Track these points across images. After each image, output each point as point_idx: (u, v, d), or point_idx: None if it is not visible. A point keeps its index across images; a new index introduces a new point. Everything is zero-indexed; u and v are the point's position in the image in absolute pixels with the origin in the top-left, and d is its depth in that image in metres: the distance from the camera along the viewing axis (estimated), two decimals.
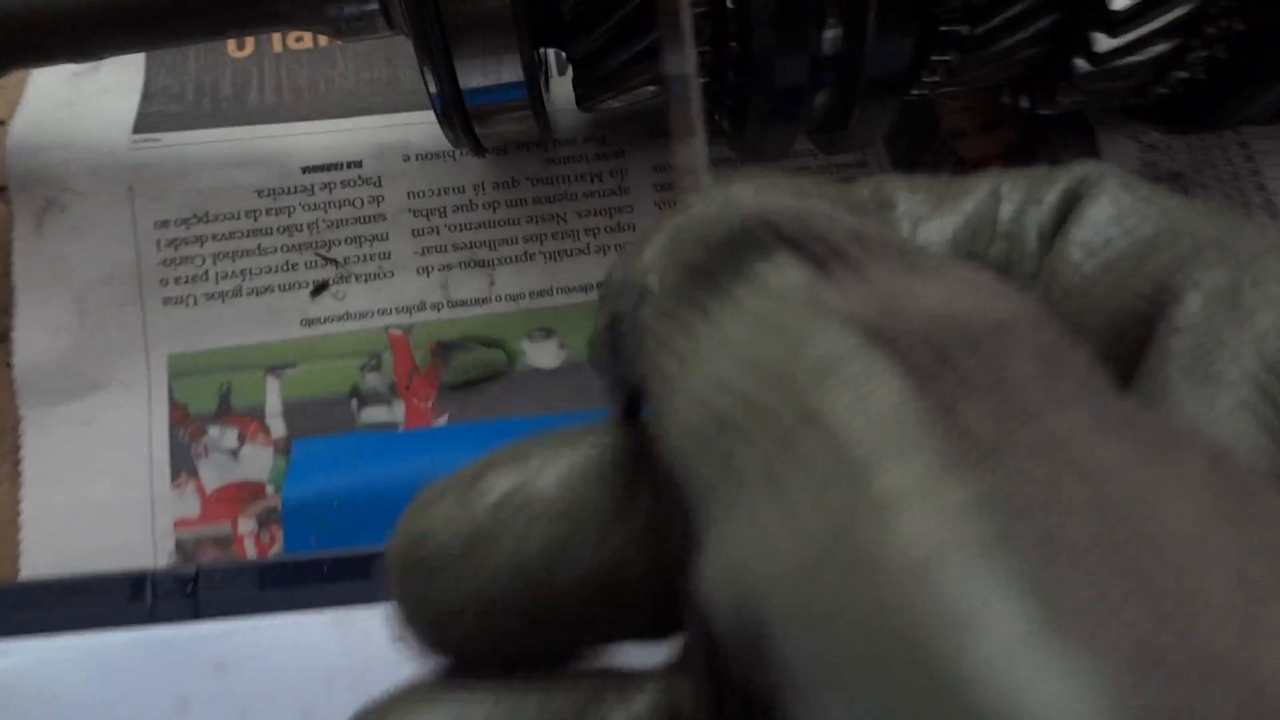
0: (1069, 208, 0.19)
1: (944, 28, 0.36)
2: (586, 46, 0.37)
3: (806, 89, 0.37)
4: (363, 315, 0.45)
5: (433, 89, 0.37)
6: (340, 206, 0.45)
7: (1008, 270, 0.18)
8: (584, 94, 0.38)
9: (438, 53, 0.37)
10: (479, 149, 0.40)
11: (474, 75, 0.38)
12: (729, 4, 0.36)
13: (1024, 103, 0.43)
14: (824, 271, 0.14)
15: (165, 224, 0.45)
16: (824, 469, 0.11)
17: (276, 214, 0.45)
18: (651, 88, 0.39)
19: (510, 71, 0.38)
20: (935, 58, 0.38)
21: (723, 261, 0.15)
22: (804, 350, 0.12)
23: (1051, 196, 0.19)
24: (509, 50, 0.37)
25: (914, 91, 0.39)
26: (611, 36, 0.37)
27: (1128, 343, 0.17)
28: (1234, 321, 0.15)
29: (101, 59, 0.40)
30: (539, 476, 0.17)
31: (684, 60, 0.26)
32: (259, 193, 0.45)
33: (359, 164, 0.46)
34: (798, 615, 0.11)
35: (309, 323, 0.45)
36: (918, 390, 0.11)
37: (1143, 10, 0.36)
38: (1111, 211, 0.18)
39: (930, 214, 0.19)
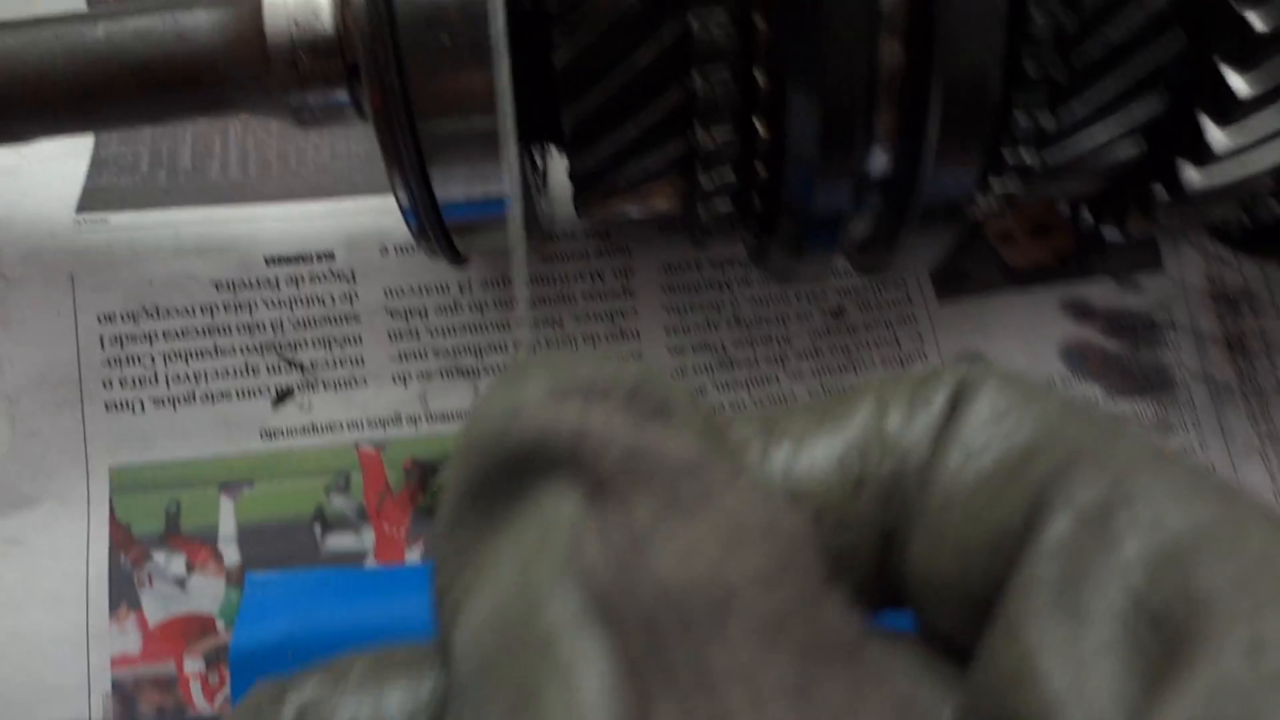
0: (953, 410, 0.19)
1: (1008, 149, 0.32)
2: (589, 158, 0.33)
3: (848, 214, 0.33)
4: (330, 428, 0.40)
5: (404, 203, 0.32)
6: (308, 304, 0.41)
7: (897, 487, 0.19)
8: (584, 204, 0.36)
9: (409, 162, 0.32)
10: (458, 259, 0.34)
11: (452, 187, 0.33)
12: (758, 125, 0.32)
13: (1087, 220, 0.37)
14: (595, 498, 0.15)
15: (110, 318, 0.40)
16: None
17: (236, 310, 0.40)
18: (665, 203, 0.34)
19: (495, 181, 0.32)
20: (996, 178, 0.33)
21: (501, 477, 0.16)
22: (538, 618, 0.13)
23: (938, 400, 0.19)
24: (494, 155, 0.34)
25: (975, 209, 0.33)
26: (620, 148, 0.33)
27: (1003, 558, 0.17)
28: (1102, 548, 0.16)
29: (25, 143, 0.34)
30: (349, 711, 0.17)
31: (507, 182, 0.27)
32: (217, 285, 0.40)
33: (330, 255, 0.41)
34: None
35: (269, 435, 0.40)
36: (620, 686, 0.12)
37: (1244, 145, 0.30)
38: (988, 413, 0.18)
39: (813, 433, 0.19)
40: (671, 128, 0.33)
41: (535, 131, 0.36)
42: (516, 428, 0.16)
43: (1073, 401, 0.19)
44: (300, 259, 0.43)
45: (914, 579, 0.18)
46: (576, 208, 0.36)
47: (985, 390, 0.19)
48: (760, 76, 0.31)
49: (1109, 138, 0.34)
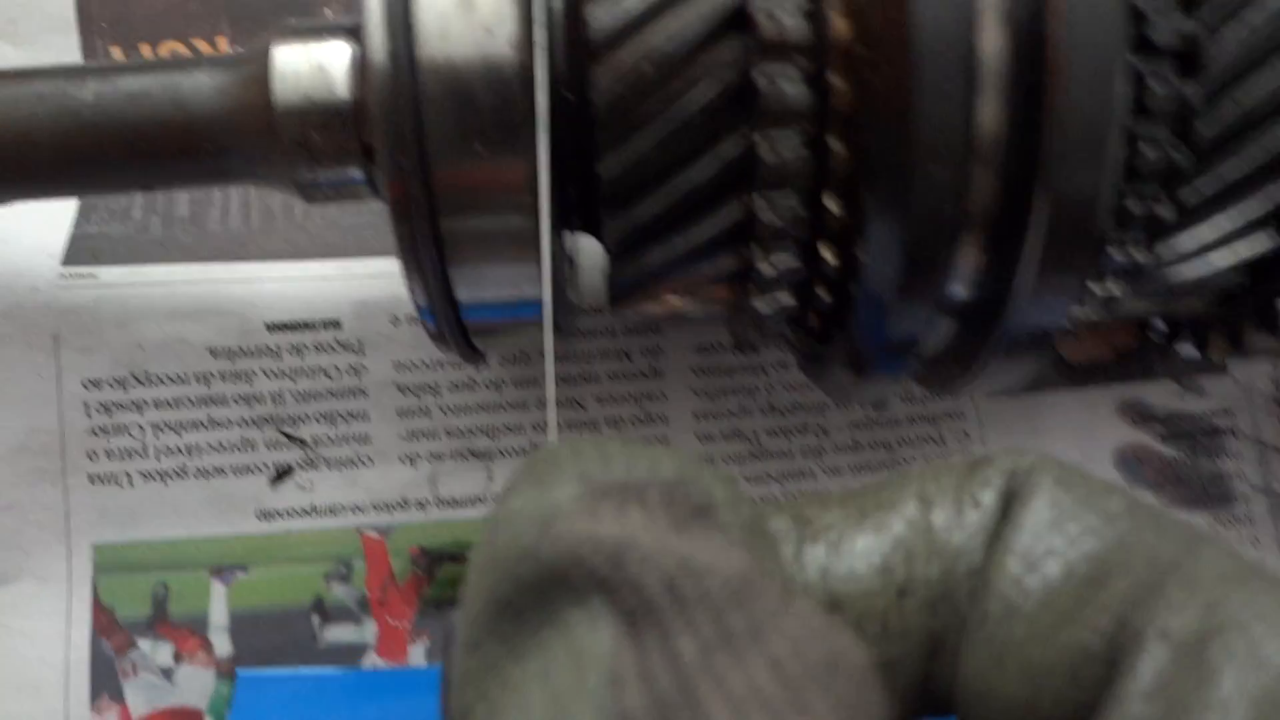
0: (1006, 509, 0.18)
1: (1113, 249, 0.30)
2: (631, 268, 0.31)
3: (921, 338, 0.31)
4: (332, 510, 0.38)
5: (420, 303, 0.29)
6: (311, 375, 0.38)
7: (945, 593, 0.18)
8: (619, 296, 0.33)
9: (428, 260, 0.31)
10: (476, 358, 0.31)
11: (476, 288, 0.30)
12: (826, 252, 0.30)
13: (1159, 333, 0.34)
14: (632, 629, 0.14)
15: (96, 384, 0.38)
16: None
17: (234, 379, 0.38)
18: (710, 309, 0.34)
19: (525, 282, 0.29)
20: (1093, 285, 0.31)
21: (532, 599, 0.15)
22: None
23: (989, 497, 0.18)
24: (524, 255, 0.31)
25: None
26: (667, 260, 0.31)
27: (1082, 686, 0.16)
28: (1199, 685, 0.15)
29: (3, 205, 0.31)
30: None
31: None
32: (213, 352, 0.38)
33: (336, 324, 0.38)
34: None
35: (266, 516, 0.38)
36: None
37: None
38: (1048, 516, 0.18)
39: (852, 531, 0.18)
40: (725, 244, 0.30)
41: (567, 218, 0.33)
42: (548, 542, 0.15)
43: (1139, 504, 0.18)
44: (304, 326, 0.40)
45: (968, 693, 0.17)
46: (611, 306, 0.33)
47: (1042, 488, 0.18)
48: (832, 203, 0.28)
49: (1209, 273, 0.30)
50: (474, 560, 0.16)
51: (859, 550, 0.18)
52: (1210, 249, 0.31)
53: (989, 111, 0.28)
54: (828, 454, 0.43)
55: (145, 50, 0.44)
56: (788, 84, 0.28)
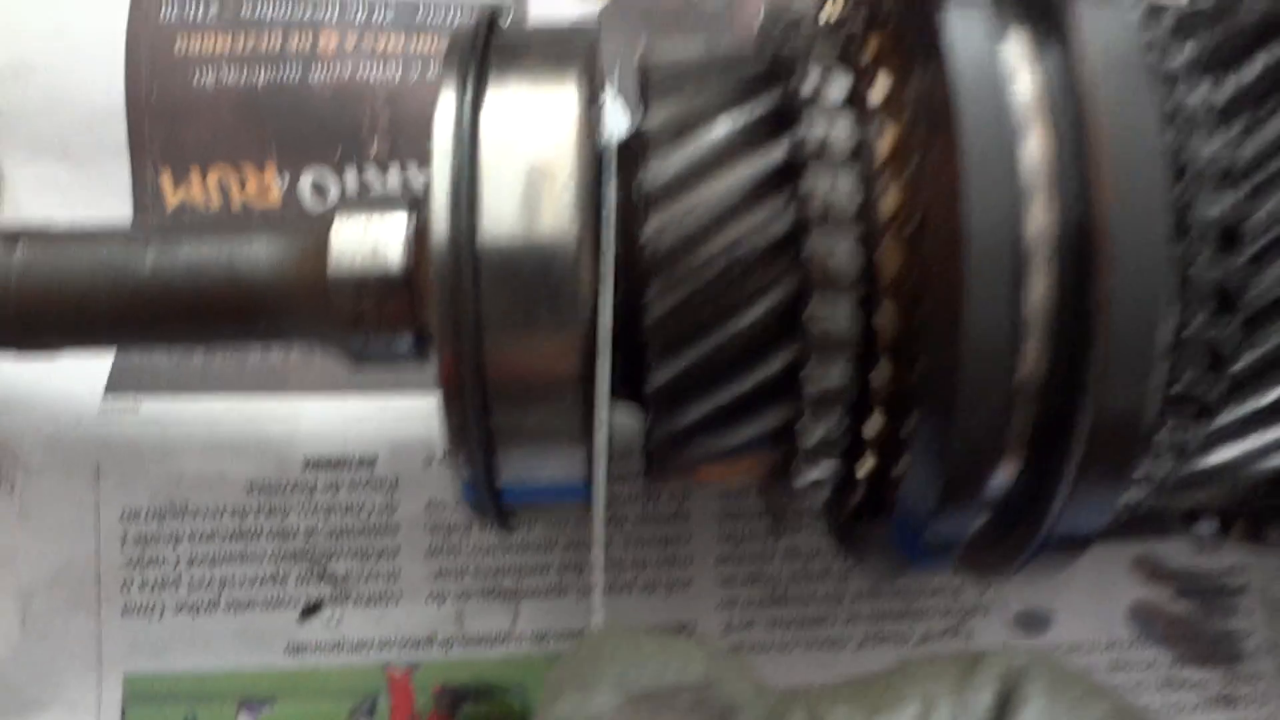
0: (1003, 709, 0.19)
1: (1163, 435, 0.31)
2: (671, 424, 0.32)
3: (959, 539, 0.32)
4: (360, 646, 0.39)
5: (464, 479, 0.33)
6: (345, 512, 0.39)
7: None
8: (657, 475, 0.35)
9: (476, 444, 0.31)
10: (511, 528, 0.32)
11: (521, 472, 0.30)
12: (868, 454, 0.31)
13: (1205, 531, 0.34)
14: None
15: (135, 515, 0.39)
16: None
17: (269, 514, 0.39)
18: (747, 480, 0.34)
19: (570, 466, 0.30)
20: (1140, 474, 0.32)
21: None
22: None
23: (983, 703, 0.20)
24: (572, 442, 0.32)
25: None
26: (712, 420, 0.32)
27: None
28: None
29: (57, 355, 0.31)
30: None
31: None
32: (250, 486, 0.39)
33: (372, 461, 0.39)
34: None
35: (295, 650, 0.38)
36: None
37: None
38: None
39: None
40: (768, 403, 0.30)
41: (615, 391, 0.33)
42: None
43: (1124, 708, 0.20)
44: (340, 464, 0.41)
45: None
46: (646, 475, 0.34)
47: (1034, 695, 0.19)
48: (876, 418, 0.28)
49: (1259, 449, 0.31)
50: None
51: None
52: (1256, 427, 0.31)
53: (1033, 349, 0.29)
54: (846, 601, 0.44)
55: (195, 174, 0.45)
56: (836, 251, 0.29)
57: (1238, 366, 0.29)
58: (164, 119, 0.45)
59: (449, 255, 0.30)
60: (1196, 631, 0.45)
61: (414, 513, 0.43)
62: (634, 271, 0.31)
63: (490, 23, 0.34)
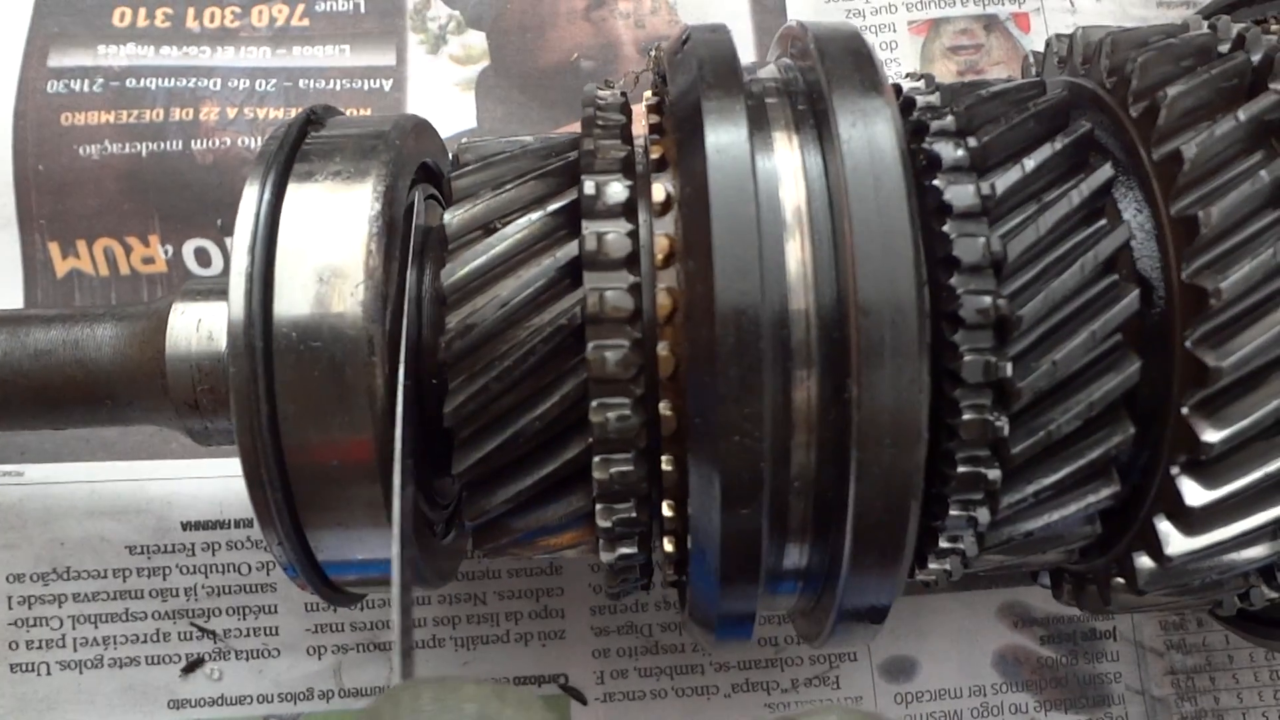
0: None
1: (955, 511, 0.32)
2: (488, 512, 0.33)
3: (762, 607, 0.33)
4: (240, 700, 0.40)
5: (279, 557, 0.34)
6: (224, 571, 0.40)
7: None
8: (488, 552, 0.35)
9: (283, 525, 0.32)
10: (348, 602, 0.33)
11: (332, 547, 0.34)
12: (669, 540, 0.32)
13: (1066, 598, 0.35)
14: None
15: (20, 578, 0.41)
16: None
17: (150, 575, 0.41)
18: (573, 550, 0.35)
19: (379, 541, 0.30)
20: (947, 546, 0.33)
21: None
22: None
23: None
24: (378, 519, 0.32)
25: (919, 578, 0.35)
26: (520, 503, 0.33)
27: None
28: None
29: None
30: None
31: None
32: (131, 549, 0.40)
33: (249, 523, 0.41)
34: None
35: (177, 705, 0.41)
36: None
37: (1235, 504, 0.31)
38: None
39: None
40: (569, 487, 0.32)
41: (433, 468, 0.34)
42: None
43: None
44: (218, 525, 0.43)
45: None
46: (476, 549, 0.35)
47: None
48: (665, 460, 0.29)
49: (1052, 524, 0.32)
50: None
51: None
52: (1047, 503, 0.32)
53: (801, 445, 0.30)
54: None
55: (82, 245, 0.46)
56: (613, 351, 0.30)
57: (1016, 451, 0.30)
58: (51, 191, 0.47)
59: (243, 347, 0.31)
60: (1063, 676, 0.46)
61: None
62: (435, 359, 0.32)
63: (305, 122, 0.35)
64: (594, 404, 0.30)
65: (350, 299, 0.30)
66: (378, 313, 0.31)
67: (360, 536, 0.33)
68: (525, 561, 0.45)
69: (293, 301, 0.30)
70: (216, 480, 0.44)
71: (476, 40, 0.50)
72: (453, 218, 0.32)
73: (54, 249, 0.47)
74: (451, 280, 0.31)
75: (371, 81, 0.50)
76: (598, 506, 0.32)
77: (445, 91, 0.49)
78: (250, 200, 0.31)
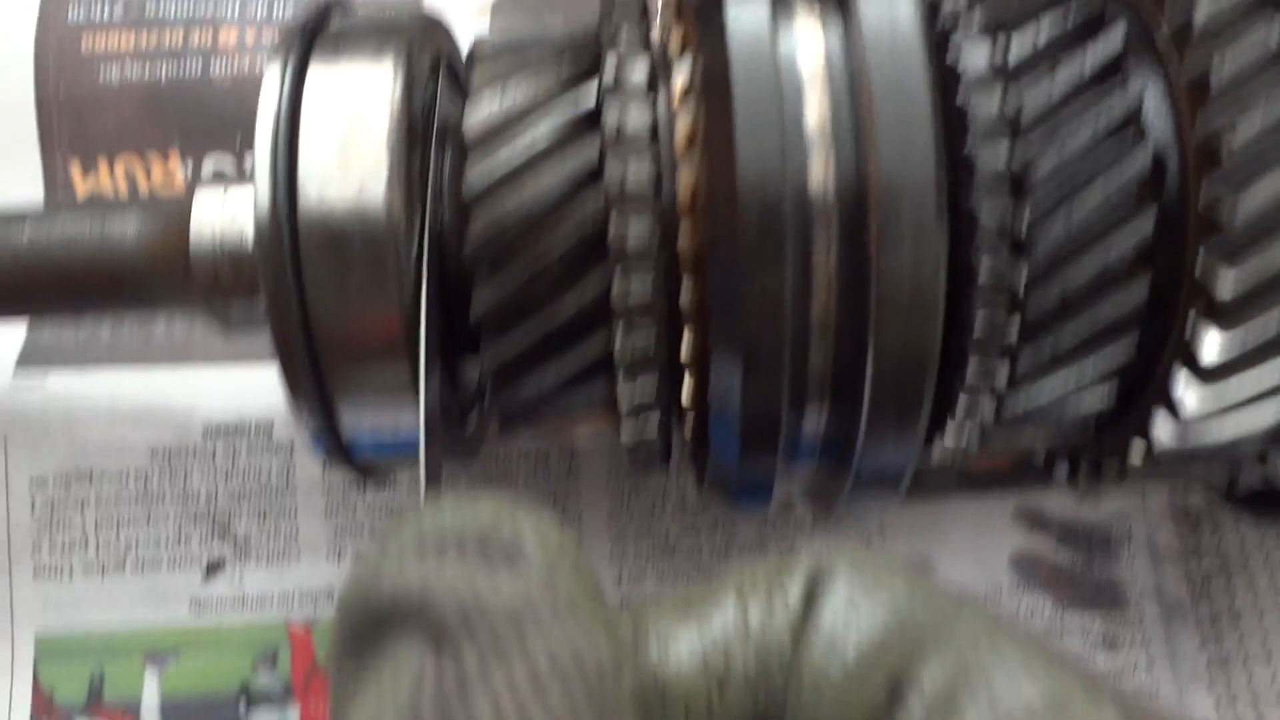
0: (810, 600, 0.21)
1: (964, 398, 0.32)
2: (510, 397, 0.34)
3: (774, 481, 0.33)
4: (261, 602, 0.40)
5: (308, 430, 0.35)
6: (244, 475, 0.41)
7: (763, 679, 0.20)
8: (506, 426, 0.36)
9: (312, 397, 0.33)
10: (376, 478, 0.33)
11: (360, 419, 0.32)
12: (685, 383, 0.32)
13: (1062, 474, 0.35)
14: (435, 650, 0.18)
15: (43, 482, 0.41)
16: None
17: (171, 478, 0.41)
18: (593, 432, 0.36)
19: (406, 418, 0.31)
20: (952, 435, 0.34)
21: (368, 633, 0.19)
22: None
23: (794, 594, 0.21)
24: (402, 396, 0.33)
25: (935, 456, 0.35)
26: (542, 391, 0.33)
27: None
28: None
29: None
30: None
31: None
32: (153, 452, 0.41)
33: (269, 427, 0.41)
34: None
35: (198, 606, 0.41)
36: None
37: (1253, 353, 0.31)
38: (843, 604, 0.20)
39: (677, 630, 0.21)
40: (594, 373, 0.32)
41: (456, 352, 0.35)
42: (374, 590, 0.19)
43: (919, 581, 0.21)
44: (238, 430, 0.43)
45: None
46: (502, 434, 0.35)
47: (838, 579, 0.21)
48: (687, 336, 0.30)
49: (1068, 389, 0.32)
50: (336, 603, 0.22)
51: (683, 647, 0.21)
52: (1064, 362, 0.32)
53: (821, 299, 0.30)
54: (734, 553, 0.45)
55: (102, 164, 0.47)
56: (636, 226, 0.31)
57: (1032, 307, 0.30)
58: (72, 112, 0.47)
59: (269, 225, 0.31)
60: (1078, 579, 0.46)
61: (311, 475, 0.45)
62: (457, 237, 0.32)
63: (324, 11, 0.36)
64: (617, 275, 0.30)
65: (374, 175, 0.31)
66: (401, 189, 0.31)
67: (388, 408, 0.33)
68: (543, 468, 0.46)
69: (318, 177, 0.31)
70: (238, 386, 0.44)
71: None
72: (472, 111, 0.32)
73: (75, 169, 0.47)
74: (473, 179, 0.31)
75: (388, 4, 0.51)
76: (620, 374, 0.32)
77: (462, 17, 0.49)
78: (273, 79, 0.32)
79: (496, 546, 0.20)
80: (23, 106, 0.47)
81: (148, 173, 0.48)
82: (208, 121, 0.47)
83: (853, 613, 0.20)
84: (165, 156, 0.48)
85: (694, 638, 0.21)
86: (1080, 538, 0.46)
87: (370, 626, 0.19)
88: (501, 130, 0.33)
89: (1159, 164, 0.32)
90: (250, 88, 0.48)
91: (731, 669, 0.21)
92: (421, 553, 0.20)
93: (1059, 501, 0.47)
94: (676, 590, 0.23)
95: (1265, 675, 0.45)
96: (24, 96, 0.47)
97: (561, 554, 0.20)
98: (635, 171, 0.31)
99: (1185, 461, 0.36)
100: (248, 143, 0.47)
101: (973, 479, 0.47)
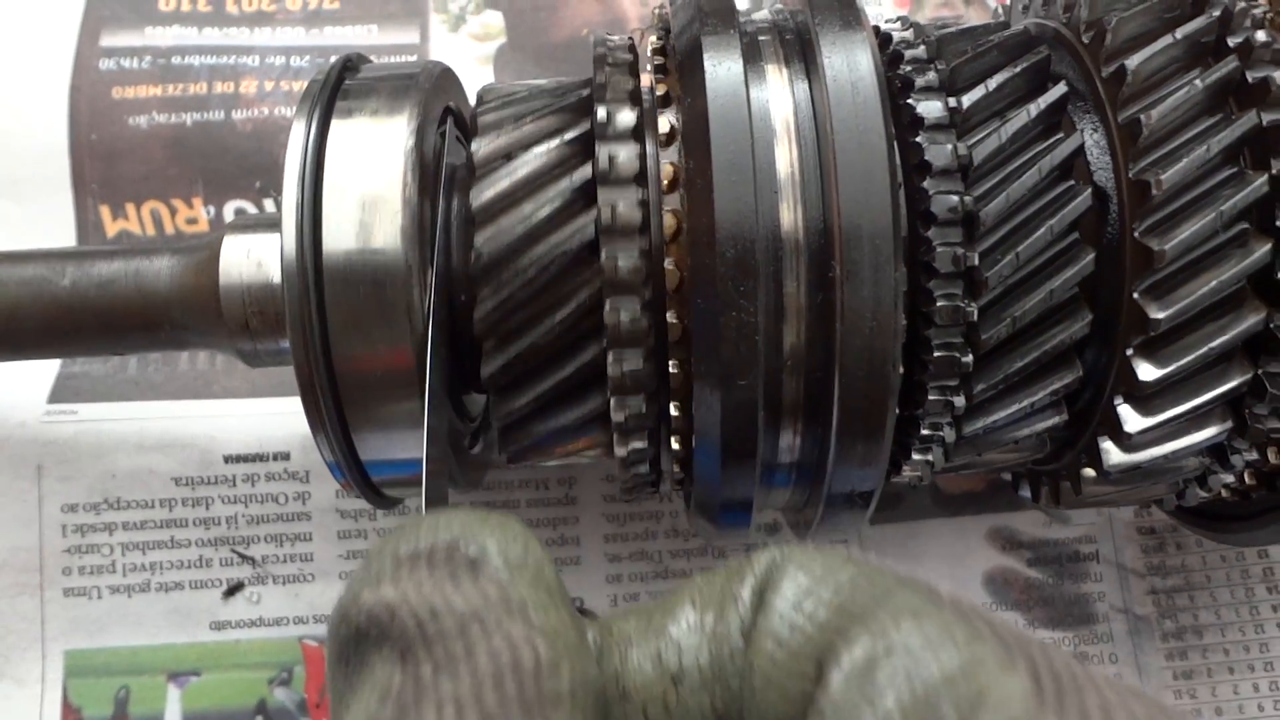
0: (762, 597, 0.22)
1: (933, 396, 0.35)
2: (512, 414, 0.37)
3: (760, 498, 0.37)
4: (277, 621, 0.43)
5: (327, 459, 0.33)
6: (262, 501, 0.43)
7: (719, 678, 0.22)
8: (512, 456, 0.39)
9: (330, 421, 0.37)
10: (390, 504, 0.36)
11: (375, 448, 0.35)
12: (676, 435, 0.36)
13: (1025, 492, 0.38)
14: (403, 663, 0.20)
15: (74, 508, 0.44)
16: None
17: (194, 505, 0.44)
18: (589, 456, 0.39)
19: (417, 447, 0.35)
20: (918, 456, 0.38)
21: (353, 650, 0.22)
22: None
23: (745, 597, 0.22)
24: (415, 423, 0.37)
25: (896, 479, 0.39)
26: (541, 404, 0.37)
27: None
28: (867, 700, 0.19)
29: None
30: None
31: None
32: (177, 480, 0.43)
33: (286, 456, 0.44)
34: None
35: (219, 626, 0.43)
36: None
37: (1185, 379, 0.34)
38: (791, 599, 0.21)
39: (640, 637, 0.23)
40: (587, 390, 0.35)
41: (464, 384, 0.38)
42: (354, 609, 0.22)
43: (865, 569, 0.22)
44: (257, 458, 0.46)
45: None
46: (503, 455, 0.38)
47: (785, 579, 0.22)
48: (672, 366, 0.33)
49: (1022, 412, 0.35)
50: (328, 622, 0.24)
51: (641, 651, 0.23)
52: (1017, 389, 0.35)
53: (792, 329, 0.33)
54: None
55: (130, 209, 0.51)
56: (625, 259, 0.34)
57: (986, 336, 0.33)
58: (102, 158, 0.52)
59: (296, 271, 0.35)
60: (1049, 597, 0.49)
61: (325, 501, 0.48)
62: (466, 278, 0.36)
63: (343, 67, 0.39)
64: (608, 306, 0.34)
65: (390, 224, 0.34)
66: (414, 236, 0.35)
67: (401, 439, 0.37)
68: (543, 491, 0.49)
69: (339, 227, 0.34)
70: (256, 417, 0.48)
71: (494, 19, 0.55)
72: (479, 147, 0.36)
73: (105, 211, 0.51)
74: (479, 202, 0.35)
75: (397, 58, 0.54)
76: (612, 401, 0.36)
77: (465, 66, 0.53)
78: (299, 134, 0.36)
79: (461, 558, 0.22)
80: (57, 151, 0.51)
81: (173, 215, 0.51)
82: (230, 166, 0.52)
83: (799, 609, 0.21)
84: (189, 202, 0.51)
85: (652, 640, 0.23)
86: (1050, 557, 0.49)
87: (353, 643, 0.22)
88: (505, 156, 0.36)
89: (1102, 203, 0.36)
90: (269, 132, 0.52)
91: (685, 668, 0.22)
92: (397, 568, 0.22)
93: (1030, 522, 0.49)
94: (639, 604, 0.25)
95: (1228, 688, 0.48)
96: (59, 141, 0.51)
97: (522, 562, 0.22)
98: (624, 203, 0.33)
99: (1134, 480, 0.39)
100: (266, 189, 0.51)
101: (947, 501, 0.50)
